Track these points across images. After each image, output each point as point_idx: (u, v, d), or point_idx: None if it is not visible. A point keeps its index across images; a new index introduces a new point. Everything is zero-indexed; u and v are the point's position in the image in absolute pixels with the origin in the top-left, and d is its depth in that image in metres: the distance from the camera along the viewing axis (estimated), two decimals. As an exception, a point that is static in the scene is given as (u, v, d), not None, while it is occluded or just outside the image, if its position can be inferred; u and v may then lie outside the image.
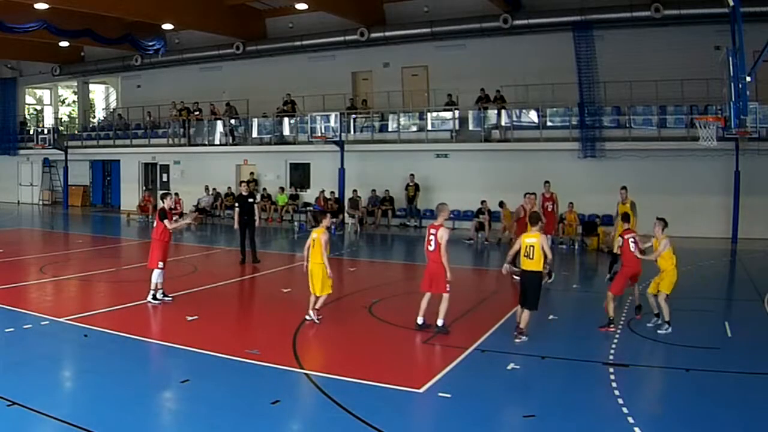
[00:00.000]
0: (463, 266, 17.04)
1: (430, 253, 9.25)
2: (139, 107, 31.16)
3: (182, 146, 28.86)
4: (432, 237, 9.17)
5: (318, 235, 9.76)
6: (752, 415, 6.58)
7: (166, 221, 11.00)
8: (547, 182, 15.77)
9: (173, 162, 29.77)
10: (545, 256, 8.82)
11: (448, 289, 9.09)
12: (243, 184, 16.67)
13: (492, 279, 15.20)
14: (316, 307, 9.79)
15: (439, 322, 9.11)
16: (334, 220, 20.28)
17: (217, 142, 28.52)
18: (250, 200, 15.65)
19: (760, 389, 7.32)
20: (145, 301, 10.82)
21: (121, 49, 29.13)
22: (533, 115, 23.21)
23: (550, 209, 15.41)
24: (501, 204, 20.21)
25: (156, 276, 10.85)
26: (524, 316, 8.88)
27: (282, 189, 26.42)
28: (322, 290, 9.69)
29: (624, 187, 13.27)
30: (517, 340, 8.82)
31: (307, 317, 9.75)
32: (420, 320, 9.33)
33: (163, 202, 11.52)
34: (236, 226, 15.56)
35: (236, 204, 15.96)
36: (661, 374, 7.95)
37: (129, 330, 9.10)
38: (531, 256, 8.78)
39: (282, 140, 27.13)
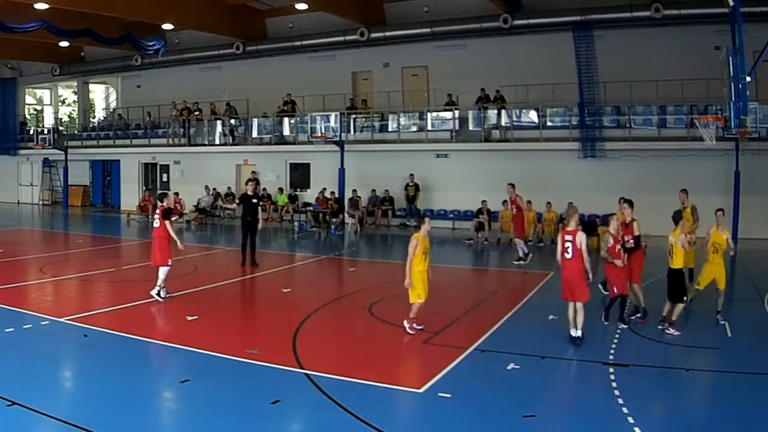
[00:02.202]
0: (464, 266, 17.06)
1: (567, 261, 8.85)
2: (139, 107, 31.15)
3: (182, 146, 28.86)
4: (569, 244, 8.81)
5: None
6: (752, 415, 6.58)
7: (167, 222, 11.14)
8: (510, 185, 15.82)
9: (173, 162, 29.76)
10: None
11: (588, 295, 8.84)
12: (249, 183, 16.13)
13: (492, 279, 15.21)
14: (410, 315, 9.23)
15: (579, 333, 8.75)
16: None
17: (217, 142, 28.52)
18: (254, 201, 15.07)
19: (760, 389, 7.32)
20: (152, 299, 10.91)
21: (121, 49, 29.12)
22: (533, 115, 23.20)
23: (515, 212, 15.51)
24: (505, 203, 20.28)
25: (165, 272, 11.02)
26: (675, 309, 9.21)
27: (281, 189, 26.42)
28: (411, 297, 9.20)
29: (684, 190, 12.74)
30: (667, 331, 9.15)
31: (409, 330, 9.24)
32: (575, 332, 8.80)
33: (162, 203, 11.57)
34: (237, 214, 14.80)
35: (238, 202, 15.49)
36: (661, 374, 7.94)
37: (129, 330, 9.10)
38: (671, 254, 9.26)
39: (282, 140, 27.12)
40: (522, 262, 15.44)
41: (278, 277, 14.58)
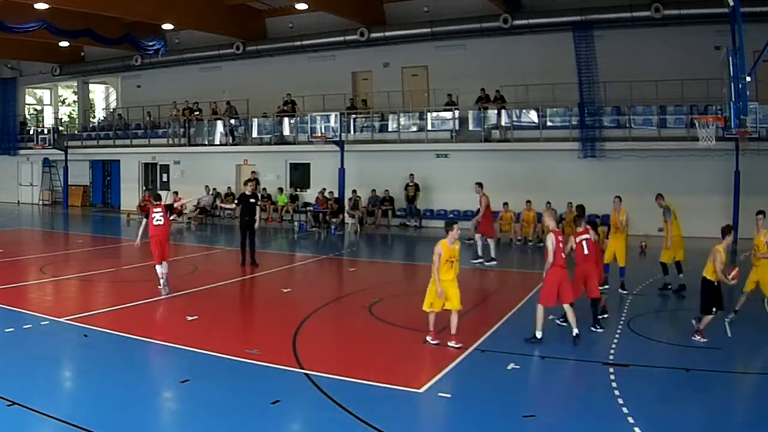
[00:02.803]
0: (463, 266, 17.06)
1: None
2: (139, 107, 31.15)
3: (182, 146, 28.87)
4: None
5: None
6: (752, 415, 6.58)
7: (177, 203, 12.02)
8: (477, 184, 15.82)
9: (173, 162, 29.77)
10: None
11: None
12: (249, 183, 15.91)
13: (492, 279, 15.19)
14: (429, 328, 8.83)
15: (576, 332, 8.72)
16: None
17: (217, 142, 28.53)
18: (252, 200, 15.10)
19: (760, 389, 7.32)
20: (162, 296, 11.17)
21: (121, 49, 29.12)
22: (533, 115, 23.20)
23: (483, 212, 15.49)
24: (506, 204, 20.30)
25: (166, 266, 11.49)
26: (703, 319, 9.08)
27: (281, 189, 26.41)
28: (425, 304, 8.81)
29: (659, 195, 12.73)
30: (693, 338, 8.98)
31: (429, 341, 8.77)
32: (540, 334, 8.80)
33: (160, 201, 12.02)
34: (237, 214, 15.17)
35: (237, 202, 15.75)
36: (661, 374, 7.94)
37: (129, 330, 9.10)
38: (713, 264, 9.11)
39: (282, 140, 27.12)
40: (482, 261, 15.51)
41: (278, 277, 14.58)
